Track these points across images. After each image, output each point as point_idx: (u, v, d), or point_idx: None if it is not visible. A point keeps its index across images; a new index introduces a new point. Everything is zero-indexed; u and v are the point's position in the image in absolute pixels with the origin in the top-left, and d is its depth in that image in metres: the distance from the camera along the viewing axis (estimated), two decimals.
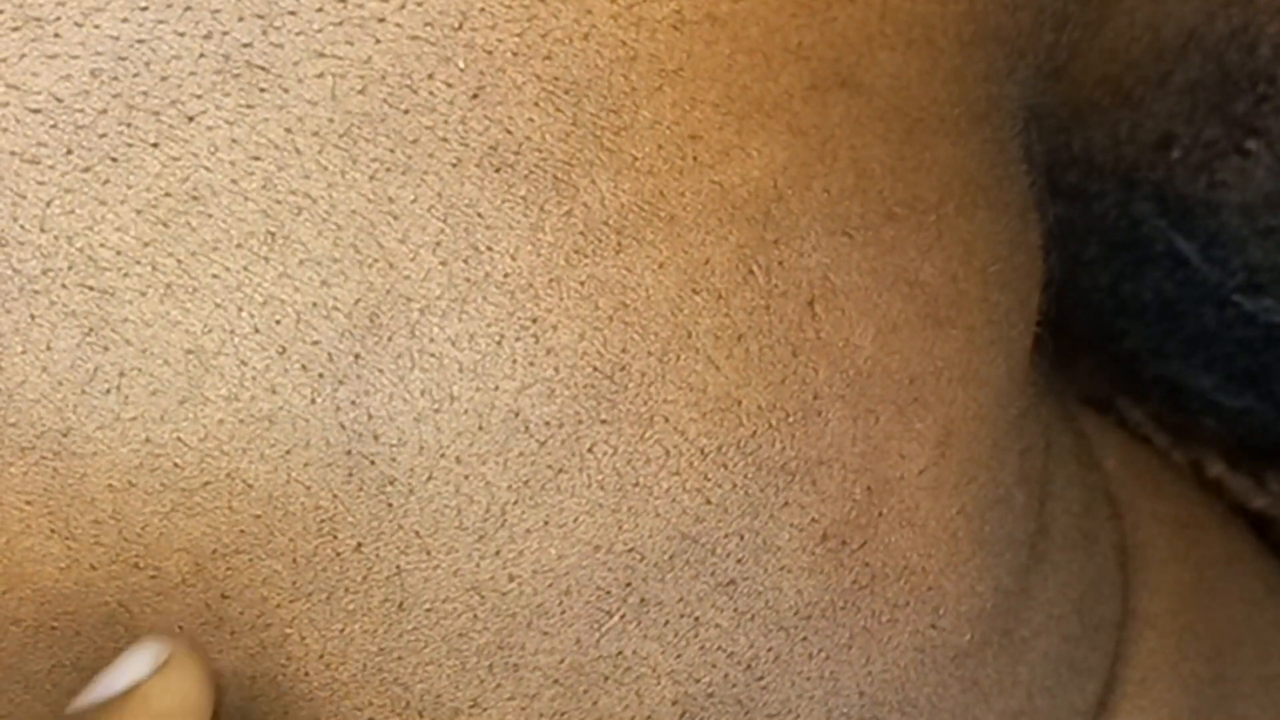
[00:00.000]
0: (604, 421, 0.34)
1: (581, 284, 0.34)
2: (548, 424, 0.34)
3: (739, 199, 0.34)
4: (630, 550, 0.35)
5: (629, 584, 0.35)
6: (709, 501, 0.35)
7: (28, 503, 0.34)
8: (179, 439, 0.34)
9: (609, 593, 0.35)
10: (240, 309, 0.33)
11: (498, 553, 0.35)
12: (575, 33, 0.33)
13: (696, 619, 0.36)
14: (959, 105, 0.37)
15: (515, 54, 0.33)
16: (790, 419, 0.36)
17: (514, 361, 0.34)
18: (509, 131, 0.33)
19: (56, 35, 0.32)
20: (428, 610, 0.35)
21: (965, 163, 0.37)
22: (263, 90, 0.33)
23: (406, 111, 0.33)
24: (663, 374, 0.34)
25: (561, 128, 0.33)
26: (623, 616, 0.36)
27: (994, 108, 0.38)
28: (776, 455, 0.36)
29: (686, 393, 0.35)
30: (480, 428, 0.34)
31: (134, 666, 0.34)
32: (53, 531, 0.34)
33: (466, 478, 0.34)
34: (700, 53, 0.34)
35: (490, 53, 0.33)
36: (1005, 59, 0.38)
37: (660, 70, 0.34)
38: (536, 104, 0.33)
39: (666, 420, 0.35)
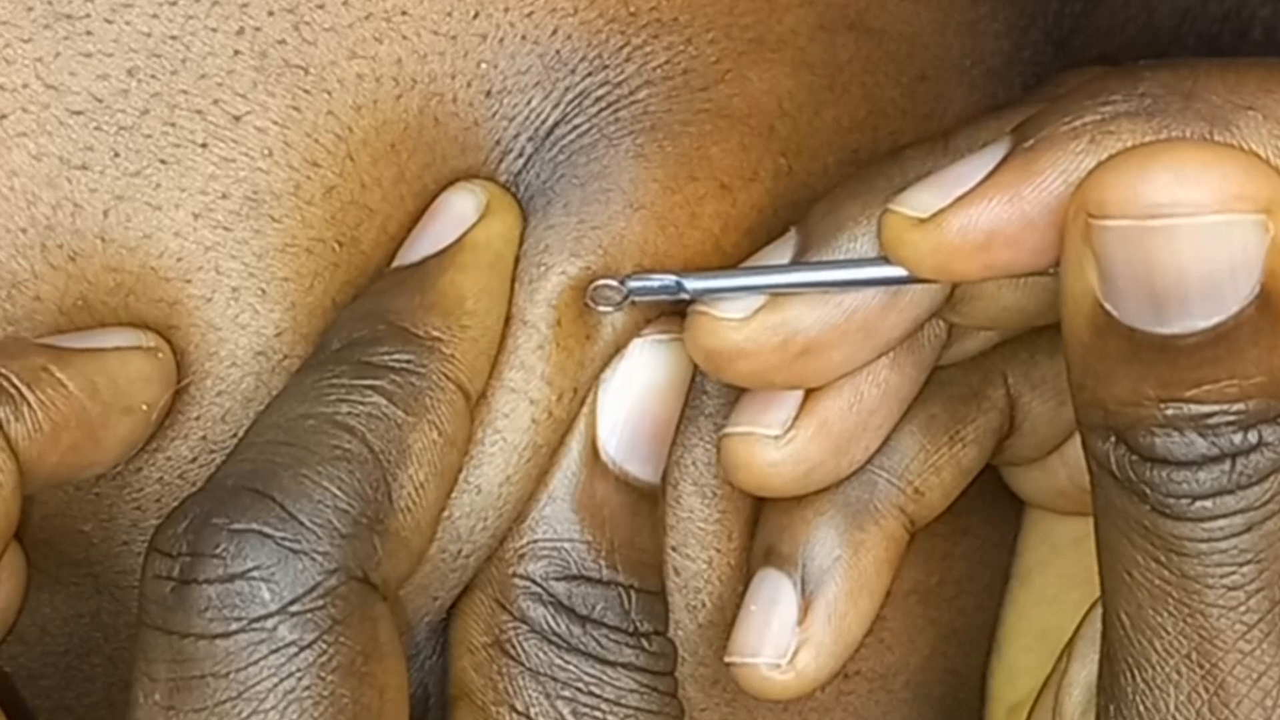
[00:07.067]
0: None
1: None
2: None
3: (737, 110, 0.34)
4: None
5: None
6: None
7: (77, 489, 0.34)
8: (235, 437, 0.33)
9: None
10: (311, 314, 0.33)
11: None
12: (581, 3, 0.34)
13: None
14: (972, 57, 0.37)
15: (524, 38, 0.33)
16: None
17: None
18: (508, 120, 0.34)
19: (88, 33, 0.32)
20: None
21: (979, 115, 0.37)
22: (307, 93, 0.32)
23: (438, 122, 0.33)
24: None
25: (553, 99, 0.34)
26: None
27: (1008, 67, 0.38)
28: None
29: None
30: None
31: (460, 215, 0.33)
32: (94, 514, 0.34)
33: None
34: (699, 3, 0.34)
35: (501, 41, 0.33)
36: (1017, 19, 0.38)
37: (658, 21, 0.34)
38: (538, 84, 0.34)
39: None
